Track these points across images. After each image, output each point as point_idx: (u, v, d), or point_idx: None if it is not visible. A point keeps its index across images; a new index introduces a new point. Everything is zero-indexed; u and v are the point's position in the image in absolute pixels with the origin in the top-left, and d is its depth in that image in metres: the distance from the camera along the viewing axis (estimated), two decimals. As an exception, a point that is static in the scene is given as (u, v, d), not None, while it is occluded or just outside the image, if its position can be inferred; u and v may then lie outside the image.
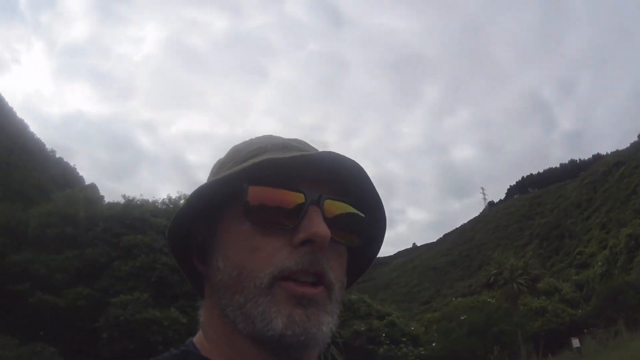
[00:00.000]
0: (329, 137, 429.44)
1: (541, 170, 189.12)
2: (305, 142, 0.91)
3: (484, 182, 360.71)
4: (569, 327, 33.71)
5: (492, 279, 27.88)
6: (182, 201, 19.04)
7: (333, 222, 0.78)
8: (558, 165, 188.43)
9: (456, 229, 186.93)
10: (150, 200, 37.61)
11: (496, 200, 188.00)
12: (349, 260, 0.87)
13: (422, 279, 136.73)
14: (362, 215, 0.84)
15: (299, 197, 0.78)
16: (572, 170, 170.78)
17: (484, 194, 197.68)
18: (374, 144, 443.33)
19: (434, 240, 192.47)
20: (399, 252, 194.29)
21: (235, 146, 0.93)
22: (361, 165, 0.81)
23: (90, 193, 34.01)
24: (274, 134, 0.93)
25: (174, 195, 39.32)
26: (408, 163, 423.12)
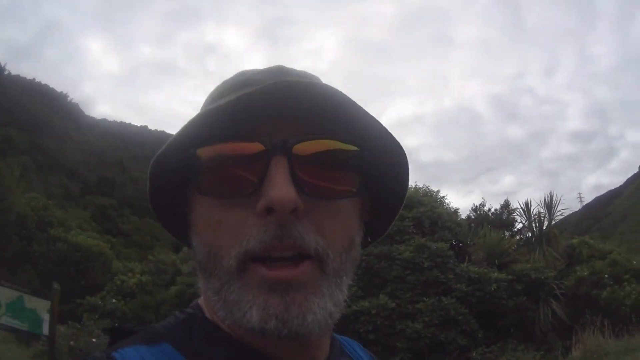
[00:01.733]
0: (532, 82, 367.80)
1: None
2: (288, 69, 0.76)
3: None
4: None
5: None
6: None
7: (313, 169, 0.64)
8: None
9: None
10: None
11: None
12: (377, 197, 0.76)
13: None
14: (355, 147, 0.67)
15: (255, 148, 0.63)
16: None
17: None
18: (576, 76, 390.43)
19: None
20: (629, 179, 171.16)
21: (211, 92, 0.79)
22: (335, 87, 0.65)
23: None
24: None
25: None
26: (613, 84, 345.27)
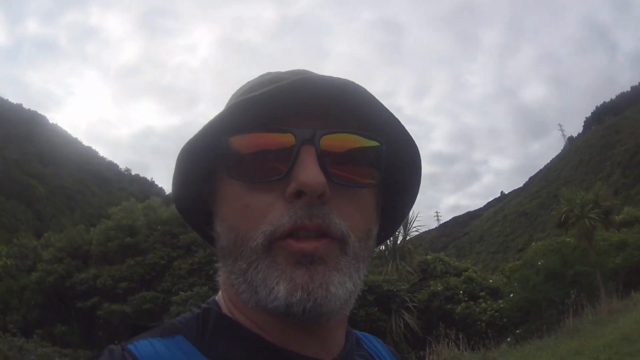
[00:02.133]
0: (401, 102, 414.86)
1: (613, 97, 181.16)
2: (309, 72, 0.78)
3: (560, 118, 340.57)
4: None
5: (562, 217, 26.56)
6: None
7: (338, 159, 0.69)
8: (629, 89, 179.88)
9: (540, 170, 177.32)
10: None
11: (575, 134, 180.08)
12: (390, 197, 0.80)
13: (515, 226, 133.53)
14: (376, 143, 0.72)
15: (287, 138, 0.67)
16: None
17: (562, 130, 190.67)
18: (445, 100, 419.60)
19: (521, 186, 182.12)
20: (489, 203, 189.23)
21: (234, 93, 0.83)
22: (359, 84, 0.69)
23: (153, 201, 34.71)
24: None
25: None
26: (482, 112, 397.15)
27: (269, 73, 0.81)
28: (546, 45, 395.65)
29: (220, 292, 0.80)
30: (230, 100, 0.81)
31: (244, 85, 0.82)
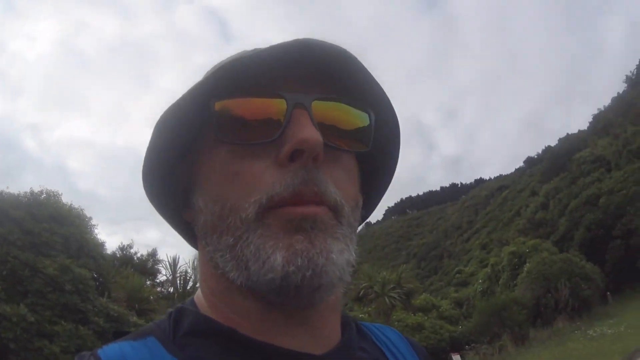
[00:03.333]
0: None
1: (421, 193, 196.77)
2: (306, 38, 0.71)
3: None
4: (449, 344, 33.12)
5: (361, 292, 26.24)
6: (43, 195, 17.38)
7: (327, 126, 0.66)
8: (439, 189, 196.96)
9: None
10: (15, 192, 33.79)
11: (373, 221, 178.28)
12: (367, 172, 0.78)
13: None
14: (365, 114, 0.70)
15: (278, 103, 0.64)
16: (453, 194, 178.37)
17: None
18: None
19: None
20: None
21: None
22: (352, 53, 0.67)
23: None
24: None
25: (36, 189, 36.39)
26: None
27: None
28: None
29: (199, 290, 0.74)
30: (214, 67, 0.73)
31: (233, 55, 0.73)
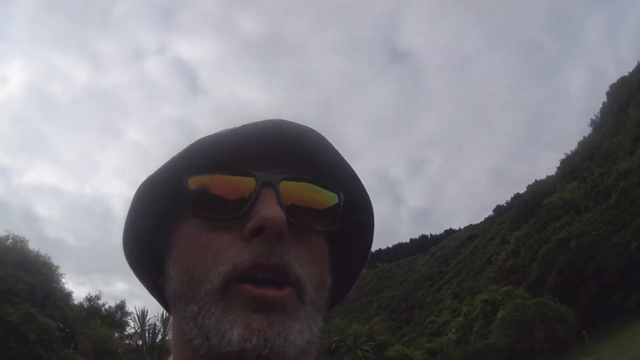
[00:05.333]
0: None
1: (390, 246, 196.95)
2: (278, 119, 0.75)
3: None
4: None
5: (333, 345, 26.04)
6: (9, 241, 16.76)
7: (296, 206, 0.69)
8: (408, 241, 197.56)
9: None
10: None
11: None
12: (341, 254, 0.78)
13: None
14: (334, 194, 0.73)
15: (248, 182, 0.68)
16: (422, 245, 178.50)
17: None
18: None
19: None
20: None
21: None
22: (320, 133, 0.72)
23: None
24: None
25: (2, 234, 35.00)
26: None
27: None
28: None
29: (171, 355, 0.75)
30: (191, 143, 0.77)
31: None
